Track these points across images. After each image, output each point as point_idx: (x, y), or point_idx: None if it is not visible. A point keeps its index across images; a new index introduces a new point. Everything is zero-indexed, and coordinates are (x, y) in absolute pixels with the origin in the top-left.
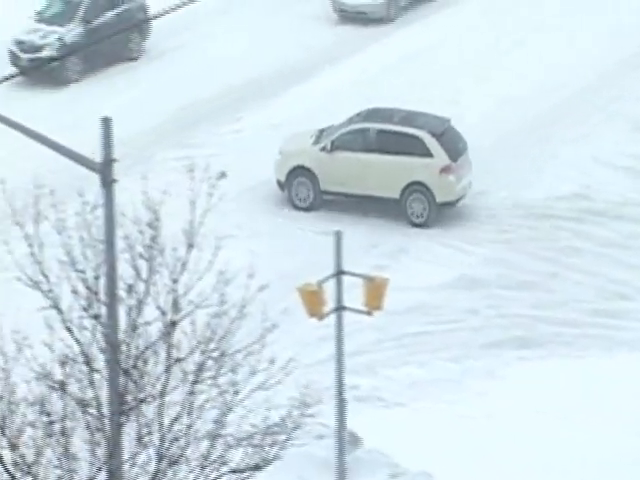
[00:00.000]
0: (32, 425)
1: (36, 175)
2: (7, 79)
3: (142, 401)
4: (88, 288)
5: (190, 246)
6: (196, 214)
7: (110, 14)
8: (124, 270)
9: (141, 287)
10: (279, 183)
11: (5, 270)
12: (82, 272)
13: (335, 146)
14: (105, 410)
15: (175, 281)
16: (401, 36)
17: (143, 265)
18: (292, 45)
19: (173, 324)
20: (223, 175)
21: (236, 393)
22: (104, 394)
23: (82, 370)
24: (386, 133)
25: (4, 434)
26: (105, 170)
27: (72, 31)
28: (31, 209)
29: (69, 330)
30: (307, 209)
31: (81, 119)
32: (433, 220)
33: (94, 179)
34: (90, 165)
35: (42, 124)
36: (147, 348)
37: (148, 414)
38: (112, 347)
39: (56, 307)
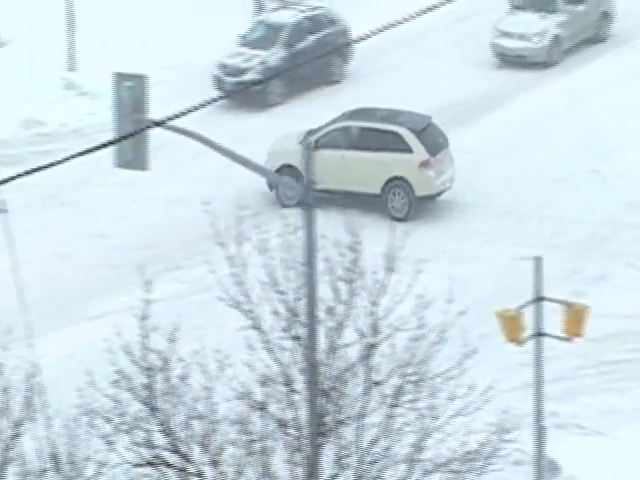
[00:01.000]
0: (233, 443)
1: (239, 197)
2: (211, 102)
3: (341, 422)
4: (289, 309)
5: (390, 270)
6: (396, 237)
7: (312, 38)
8: (324, 292)
9: (341, 309)
10: (268, 183)
11: (208, 290)
12: (283, 293)
13: (319, 144)
14: (304, 431)
15: (375, 304)
16: (566, 79)
17: (343, 287)
18: (454, 86)
19: (372, 347)
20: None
21: (435, 418)
22: (303, 415)
23: (282, 390)
24: (367, 130)
25: (206, 451)
26: (306, 193)
27: (275, 55)
28: (234, 230)
29: (269, 350)
30: (295, 206)
31: None
32: (413, 215)
33: None
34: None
35: (246, 147)
36: (346, 370)
37: (347, 436)
38: (312, 368)
39: (257, 327)
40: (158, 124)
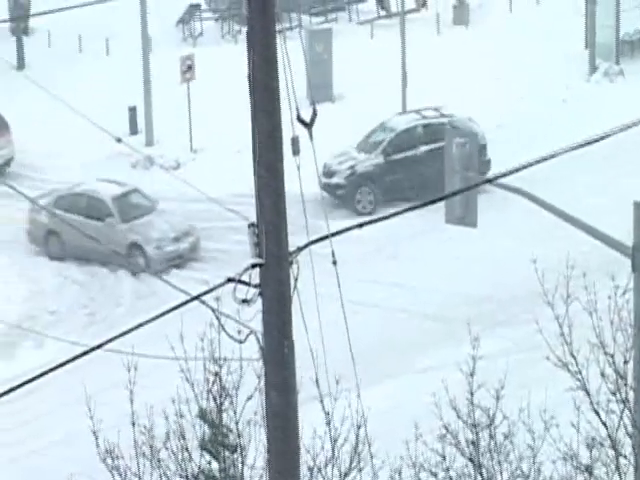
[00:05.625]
0: None
1: (568, 256)
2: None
3: None
4: (616, 372)
5: None
6: None
7: (424, 148)
8: None
9: None
10: None
11: (534, 349)
12: (611, 355)
13: None
14: None
15: None
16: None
17: None
18: None
19: None
20: None
21: None
22: None
23: (609, 454)
24: None
25: None
26: (636, 254)
27: (369, 161)
28: (562, 289)
29: (596, 413)
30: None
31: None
32: None
33: (626, 263)
34: (621, 249)
35: (576, 206)
36: None
37: None
38: None
39: (584, 389)
40: (488, 181)
